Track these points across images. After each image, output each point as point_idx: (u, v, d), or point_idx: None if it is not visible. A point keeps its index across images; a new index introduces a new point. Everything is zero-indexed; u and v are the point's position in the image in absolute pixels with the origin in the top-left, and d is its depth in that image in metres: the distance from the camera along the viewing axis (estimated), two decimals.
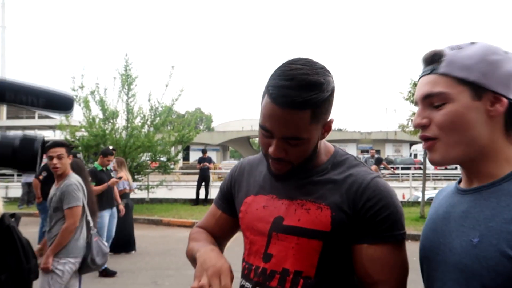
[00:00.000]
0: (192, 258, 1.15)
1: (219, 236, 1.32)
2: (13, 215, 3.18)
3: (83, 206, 3.40)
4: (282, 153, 1.05)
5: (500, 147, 0.87)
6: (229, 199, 1.32)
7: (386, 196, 1.08)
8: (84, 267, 3.33)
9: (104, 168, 6.17)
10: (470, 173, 0.92)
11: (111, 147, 7.72)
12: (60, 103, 0.68)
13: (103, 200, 5.78)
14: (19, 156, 0.66)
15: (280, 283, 1.09)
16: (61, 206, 3.27)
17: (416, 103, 0.94)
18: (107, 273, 5.53)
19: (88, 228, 3.46)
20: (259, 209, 1.18)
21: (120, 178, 6.21)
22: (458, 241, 0.87)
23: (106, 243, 3.60)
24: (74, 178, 3.35)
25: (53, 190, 3.43)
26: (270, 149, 1.06)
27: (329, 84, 1.02)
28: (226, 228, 1.33)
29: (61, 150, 3.31)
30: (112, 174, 7.11)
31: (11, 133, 0.68)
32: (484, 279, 0.79)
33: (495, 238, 0.79)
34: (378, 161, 11.52)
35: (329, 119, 1.08)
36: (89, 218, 3.49)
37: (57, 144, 3.36)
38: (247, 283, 1.16)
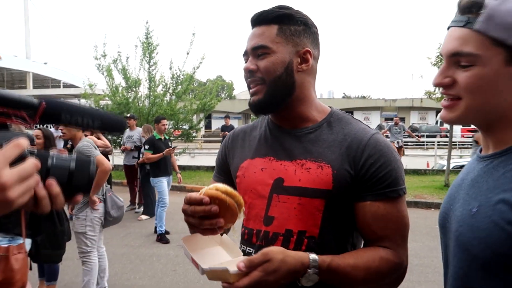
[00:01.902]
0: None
1: None
2: None
3: None
4: (252, 65, 1.12)
5: None
6: (226, 170, 1.30)
7: (387, 152, 1.08)
8: (104, 221, 3.73)
9: (163, 137, 6.27)
10: (488, 137, 0.85)
11: (128, 115, 7.88)
12: (113, 126, 0.71)
13: (160, 168, 6.02)
14: (76, 180, 0.65)
15: (284, 244, 1.07)
16: None
17: (441, 56, 0.85)
18: (161, 239, 5.71)
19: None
20: (257, 172, 1.15)
21: (174, 147, 6.26)
22: (460, 209, 0.84)
23: (120, 198, 3.92)
24: (85, 140, 3.68)
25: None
26: (244, 66, 1.14)
27: (299, 12, 1.15)
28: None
29: None
30: (132, 138, 7.31)
31: (62, 155, 0.66)
32: (475, 249, 0.77)
33: (491, 209, 0.75)
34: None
35: (305, 48, 1.13)
36: None
37: None
38: (248, 248, 1.14)
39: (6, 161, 0.58)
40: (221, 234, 1.10)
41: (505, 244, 0.72)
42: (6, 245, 2.57)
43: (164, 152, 5.96)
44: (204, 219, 0.94)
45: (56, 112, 0.66)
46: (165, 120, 6.39)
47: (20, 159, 0.59)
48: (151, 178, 6.17)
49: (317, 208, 1.07)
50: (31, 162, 0.60)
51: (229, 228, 0.99)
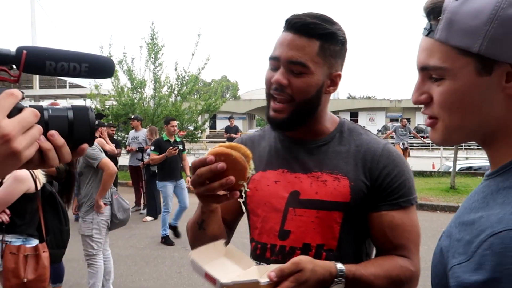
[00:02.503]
0: (194, 232, 1.10)
1: (229, 221, 1.22)
2: (50, 183, 3.38)
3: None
4: (285, 80, 1.04)
5: None
6: None
7: (400, 163, 1.11)
8: (109, 223, 3.76)
9: (172, 138, 6.09)
10: (488, 154, 0.74)
11: (132, 116, 7.91)
12: (101, 69, 0.65)
13: (165, 172, 5.85)
14: (76, 129, 0.60)
15: None
16: (85, 170, 3.66)
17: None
18: (166, 241, 5.71)
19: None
20: (271, 185, 1.13)
21: (176, 148, 5.88)
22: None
23: (126, 201, 3.95)
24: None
25: None
26: (274, 77, 1.05)
27: (341, 30, 1.08)
28: (234, 210, 1.20)
29: None
30: (138, 139, 7.24)
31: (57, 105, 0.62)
32: (434, 278, 0.74)
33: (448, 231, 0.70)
34: None
35: (337, 72, 1.09)
36: None
37: None
38: (262, 263, 1.11)
39: (3, 111, 0.53)
40: (225, 244, 1.06)
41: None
42: (32, 245, 2.70)
43: (166, 153, 5.78)
44: (214, 181, 0.89)
45: (40, 60, 0.60)
46: (175, 121, 6.26)
47: (16, 111, 0.55)
48: (157, 182, 6.12)
49: (335, 220, 1.07)
50: (30, 111, 0.55)
51: (241, 189, 0.93)
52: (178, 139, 6.32)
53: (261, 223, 1.13)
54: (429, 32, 0.68)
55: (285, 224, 1.10)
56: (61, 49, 0.62)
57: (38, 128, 0.56)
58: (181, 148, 6.19)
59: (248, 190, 0.96)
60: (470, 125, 0.69)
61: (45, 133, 0.58)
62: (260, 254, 1.13)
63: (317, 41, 1.03)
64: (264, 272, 0.94)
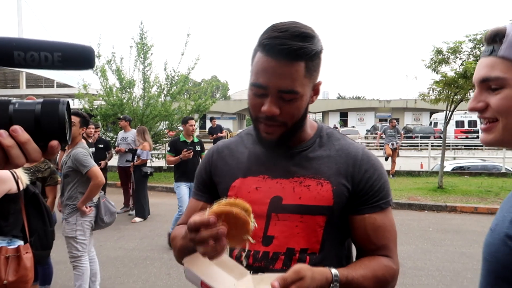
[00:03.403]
0: (184, 249, 1.06)
1: None
2: (34, 183, 3.33)
3: None
4: (276, 110, 1.01)
5: None
6: (210, 187, 1.23)
7: (378, 166, 1.15)
8: (94, 225, 3.73)
9: (190, 139, 5.86)
10: None
11: (121, 116, 7.80)
12: (78, 58, 0.57)
13: (180, 173, 5.69)
14: (44, 124, 0.55)
15: (285, 263, 1.07)
16: (71, 173, 3.59)
17: (473, 86, 0.92)
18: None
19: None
20: (252, 192, 1.12)
21: (190, 150, 5.59)
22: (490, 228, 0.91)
23: (113, 203, 3.88)
24: (81, 146, 3.63)
25: (64, 157, 3.74)
26: (264, 107, 1.01)
27: (319, 40, 1.03)
28: None
29: (75, 119, 3.63)
30: (127, 140, 7.11)
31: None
32: (490, 265, 0.85)
33: (504, 227, 0.83)
34: None
35: (317, 81, 1.08)
36: None
37: (74, 113, 3.69)
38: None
39: None
40: None
41: (509, 259, 0.80)
42: (14, 246, 2.66)
43: (181, 156, 5.57)
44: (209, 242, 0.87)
45: (6, 50, 0.54)
46: (193, 121, 5.92)
47: None
48: (174, 182, 5.91)
49: (319, 224, 1.09)
50: None
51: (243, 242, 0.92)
52: (196, 140, 6.03)
53: None
54: (491, 52, 0.86)
55: (268, 229, 1.10)
56: (31, 38, 0.56)
57: None
58: (199, 149, 5.93)
59: (253, 242, 0.94)
60: None
61: (9, 127, 0.54)
62: (242, 262, 1.13)
63: (302, 63, 0.99)
64: (259, 282, 0.96)
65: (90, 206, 3.62)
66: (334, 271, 0.97)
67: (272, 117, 1.03)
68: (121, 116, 7.87)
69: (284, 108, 1.02)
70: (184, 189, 5.70)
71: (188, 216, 1.18)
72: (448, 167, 12.12)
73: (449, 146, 20.11)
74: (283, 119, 1.04)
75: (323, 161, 1.12)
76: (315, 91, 1.09)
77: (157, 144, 12.40)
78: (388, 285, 1.09)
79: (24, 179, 2.80)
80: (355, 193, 1.10)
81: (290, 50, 0.96)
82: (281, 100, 1.01)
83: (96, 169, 3.55)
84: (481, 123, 0.91)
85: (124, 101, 11.46)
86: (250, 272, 1.04)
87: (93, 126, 7.36)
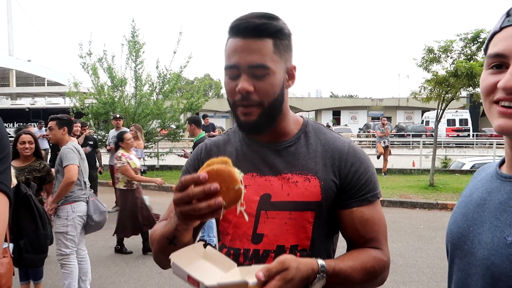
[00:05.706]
0: (166, 235, 1.02)
1: (201, 223, 1.15)
2: (28, 184, 3.28)
3: (80, 168, 3.68)
4: (250, 86, 1.02)
5: None
6: None
7: (365, 159, 1.15)
8: (86, 227, 3.71)
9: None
10: None
11: (118, 115, 7.75)
12: None
13: None
14: None
15: None
16: (60, 169, 3.60)
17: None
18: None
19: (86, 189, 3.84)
20: None
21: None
22: (489, 235, 0.77)
23: (105, 205, 3.85)
24: (71, 144, 3.66)
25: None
26: (238, 86, 1.03)
27: (286, 24, 1.07)
28: None
29: (51, 123, 3.70)
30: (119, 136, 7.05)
31: None
32: None
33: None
34: None
35: (292, 65, 1.10)
36: (86, 179, 3.82)
37: (50, 118, 3.79)
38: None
39: None
40: (204, 246, 1.04)
41: None
42: None
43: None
44: (201, 201, 0.85)
45: None
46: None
47: None
48: None
49: (308, 220, 1.09)
50: None
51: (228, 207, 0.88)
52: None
53: (233, 229, 1.13)
54: None
55: (258, 227, 1.10)
56: None
57: None
58: None
59: (245, 191, 0.90)
60: None
61: None
62: (233, 260, 1.10)
63: (269, 40, 1.03)
64: (246, 273, 0.94)
65: (81, 200, 3.63)
66: (320, 261, 0.96)
67: (247, 96, 1.03)
68: (118, 116, 7.77)
69: (258, 85, 1.03)
70: None
71: (170, 213, 1.16)
72: (468, 164, 12.00)
73: (441, 144, 20.28)
74: (259, 98, 1.04)
75: (310, 156, 1.12)
76: (290, 75, 1.10)
77: (150, 143, 12.34)
78: (378, 276, 1.09)
79: (13, 179, 2.74)
80: (342, 187, 1.10)
81: (255, 25, 1.02)
82: (254, 77, 1.03)
83: (72, 167, 3.52)
84: (503, 106, 0.74)
85: (116, 99, 11.38)
86: (237, 265, 1.02)
87: (79, 125, 7.31)
